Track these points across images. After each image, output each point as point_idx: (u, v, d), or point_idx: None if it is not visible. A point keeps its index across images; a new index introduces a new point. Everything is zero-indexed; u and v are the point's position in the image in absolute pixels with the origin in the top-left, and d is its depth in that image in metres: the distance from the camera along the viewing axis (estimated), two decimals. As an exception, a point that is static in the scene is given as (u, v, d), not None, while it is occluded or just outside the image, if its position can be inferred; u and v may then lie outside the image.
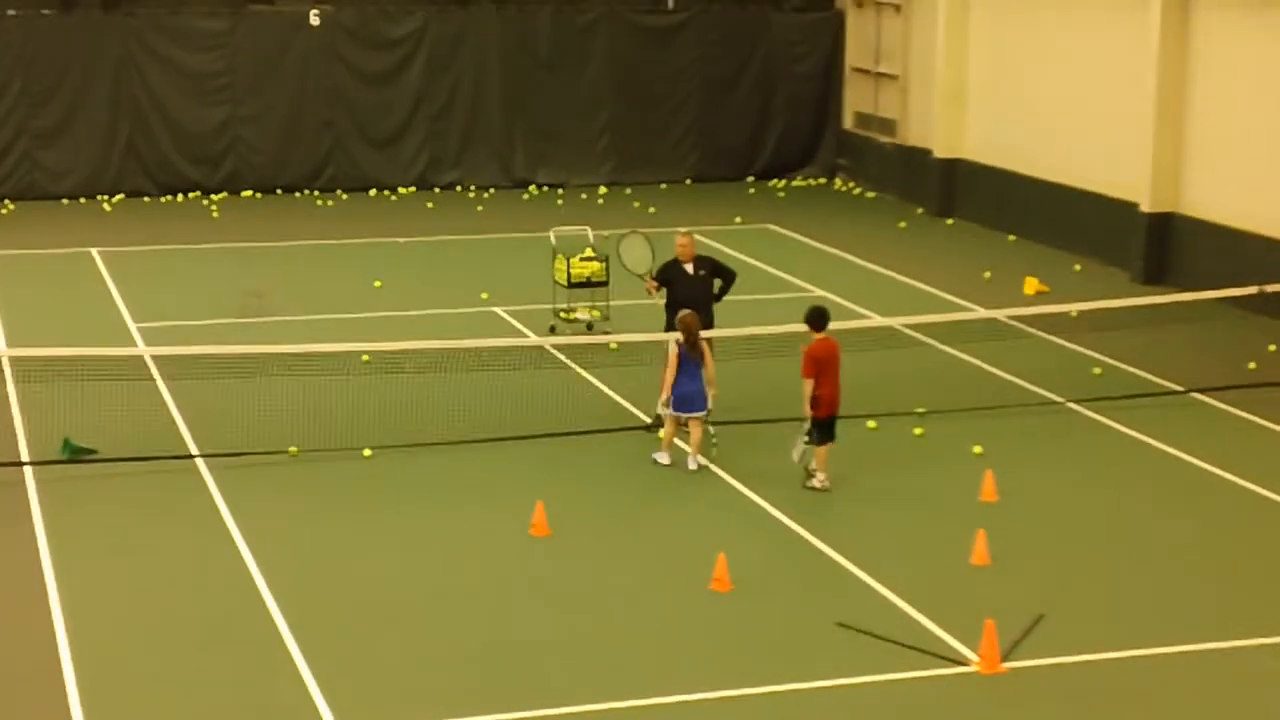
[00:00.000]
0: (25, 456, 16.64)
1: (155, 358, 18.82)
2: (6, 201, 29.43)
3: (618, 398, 18.57)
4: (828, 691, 11.92)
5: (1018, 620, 12.86)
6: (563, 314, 21.13)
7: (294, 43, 30.60)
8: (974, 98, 29.13)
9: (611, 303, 21.06)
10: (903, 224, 28.95)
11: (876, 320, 20.68)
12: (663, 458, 16.51)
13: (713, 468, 16.39)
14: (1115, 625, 13.02)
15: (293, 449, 16.78)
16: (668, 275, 17.72)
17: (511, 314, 22.07)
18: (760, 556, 14.33)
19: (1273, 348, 20.84)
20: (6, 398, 18.28)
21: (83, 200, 29.78)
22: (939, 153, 29.57)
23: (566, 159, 31.85)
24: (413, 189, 31.20)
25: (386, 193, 31.01)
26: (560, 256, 21.22)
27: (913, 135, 30.83)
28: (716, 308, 17.76)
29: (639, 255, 19.40)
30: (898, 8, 31.28)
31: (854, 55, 32.71)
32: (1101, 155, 25.87)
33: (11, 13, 29.52)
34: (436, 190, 31.25)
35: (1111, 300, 20.85)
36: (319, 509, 15.45)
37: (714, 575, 13.59)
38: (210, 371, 18.04)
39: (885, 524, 15.18)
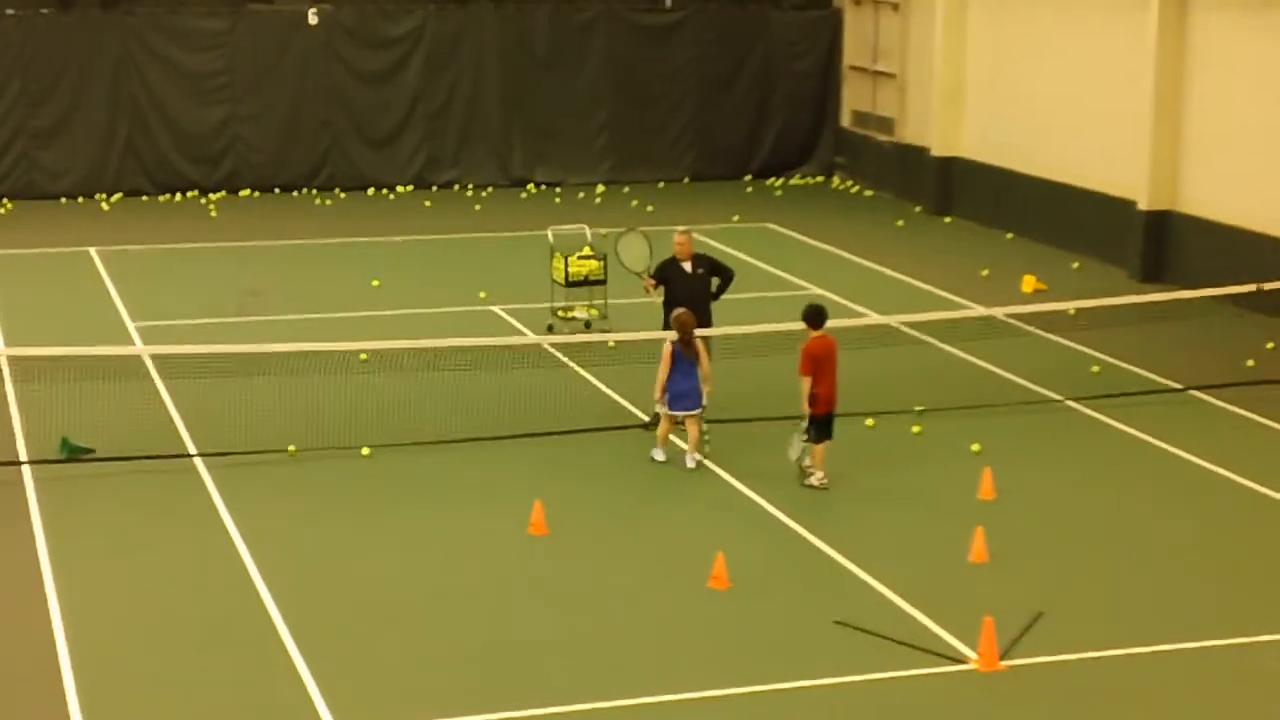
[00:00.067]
0: (23, 456, 16.64)
1: (154, 356, 18.81)
2: (5, 200, 29.43)
3: (616, 396, 18.58)
4: (826, 690, 11.93)
5: (1016, 618, 12.87)
6: (561, 312, 21.14)
7: (292, 42, 30.59)
8: (972, 96, 29.14)
9: (609, 301, 21.06)
10: (900, 222, 28.96)
11: (874, 318, 20.69)
12: (659, 454, 16.51)
13: (710, 466, 16.40)
14: (1114, 623, 13.03)
15: (291, 448, 16.79)
16: (666, 273, 17.75)
17: (509, 313, 22.08)
18: (759, 555, 14.33)
19: (1271, 345, 20.85)
20: (4, 397, 18.28)
21: (81, 199, 29.78)
22: (937, 151, 29.57)
23: (564, 157, 31.85)
24: (411, 188, 31.21)
25: (385, 191, 31.02)
26: (558, 255, 21.22)
27: (910, 133, 30.84)
28: (715, 306, 17.79)
29: (637, 253, 19.40)
30: (895, 6, 31.28)
31: (852, 54, 32.71)
32: (1099, 153, 25.87)
33: (10, 12, 29.51)
34: (434, 189, 31.26)
35: (1109, 298, 20.86)
36: (318, 508, 15.45)
37: (713, 574, 13.60)
38: (209, 370, 18.04)
39: (884, 522, 15.19)
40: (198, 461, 16.51)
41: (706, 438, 16.61)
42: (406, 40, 31.17)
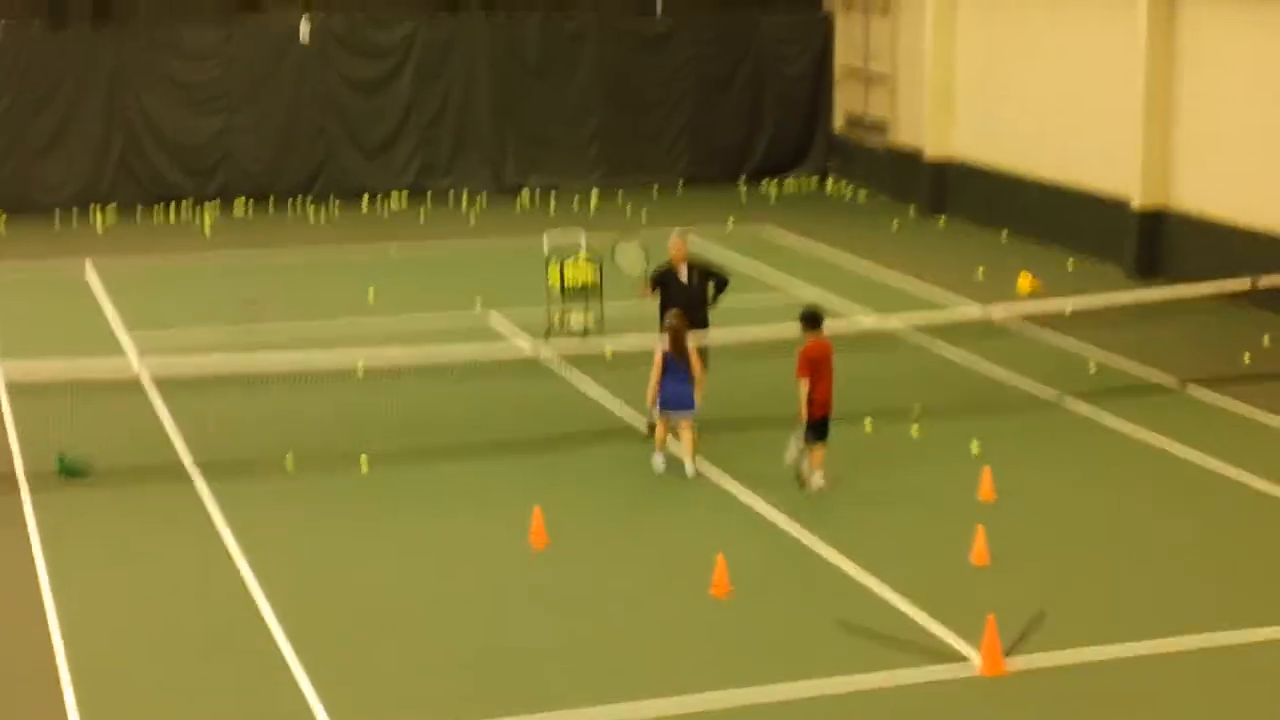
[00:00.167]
0: (20, 469, 16.60)
1: (150, 370, 18.76)
2: (0, 214, 29.44)
3: (613, 403, 18.56)
4: (829, 693, 11.91)
5: (1019, 619, 12.85)
6: (557, 319, 21.11)
7: (285, 52, 30.58)
8: (963, 97, 29.16)
9: (605, 306, 21.04)
10: (895, 223, 28.96)
11: (871, 320, 20.68)
12: (659, 463, 16.49)
13: (709, 470, 16.37)
14: (1116, 622, 13.01)
15: (289, 459, 16.76)
16: (661, 279, 17.73)
17: (506, 320, 22.06)
18: (759, 559, 14.32)
19: (1267, 341, 20.86)
20: (0, 411, 18.25)
21: (76, 211, 29.74)
22: (930, 152, 29.59)
23: (558, 164, 31.85)
24: (405, 195, 31.19)
25: (379, 200, 31.01)
26: (554, 262, 21.21)
27: (903, 135, 30.86)
28: (712, 311, 17.78)
29: (633, 259, 19.40)
30: (885, 9, 31.30)
31: (843, 57, 32.73)
32: (1091, 152, 25.89)
33: (1, 22, 29.47)
34: (429, 197, 31.25)
35: (1105, 296, 20.85)
36: (316, 518, 15.43)
37: (713, 578, 13.58)
38: (205, 381, 18.01)
39: (884, 524, 15.18)
40: (195, 472, 16.48)
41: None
42: (399, 49, 31.17)
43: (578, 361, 19.59)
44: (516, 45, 31.58)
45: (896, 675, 12.11)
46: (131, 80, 29.99)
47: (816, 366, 15.71)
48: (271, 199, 30.58)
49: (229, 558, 14.41)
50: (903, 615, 13.12)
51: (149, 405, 18.39)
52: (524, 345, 20.20)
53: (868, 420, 17.72)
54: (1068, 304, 20.39)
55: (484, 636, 12.86)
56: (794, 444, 15.75)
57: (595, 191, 31.46)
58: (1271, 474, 16.18)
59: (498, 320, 22.12)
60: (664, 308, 17.37)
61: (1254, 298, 21.20)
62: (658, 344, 16.48)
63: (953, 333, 20.48)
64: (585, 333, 20.85)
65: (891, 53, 31.17)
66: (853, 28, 32.46)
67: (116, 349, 20.89)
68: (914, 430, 17.59)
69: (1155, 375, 19.50)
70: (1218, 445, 17.02)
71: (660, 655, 12.55)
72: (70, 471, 16.35)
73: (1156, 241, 24.36)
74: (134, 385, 18.48)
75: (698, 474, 16.28)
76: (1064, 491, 16.00)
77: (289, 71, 30.65)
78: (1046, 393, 18.89)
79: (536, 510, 14.84)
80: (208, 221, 29.23)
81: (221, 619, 13.19)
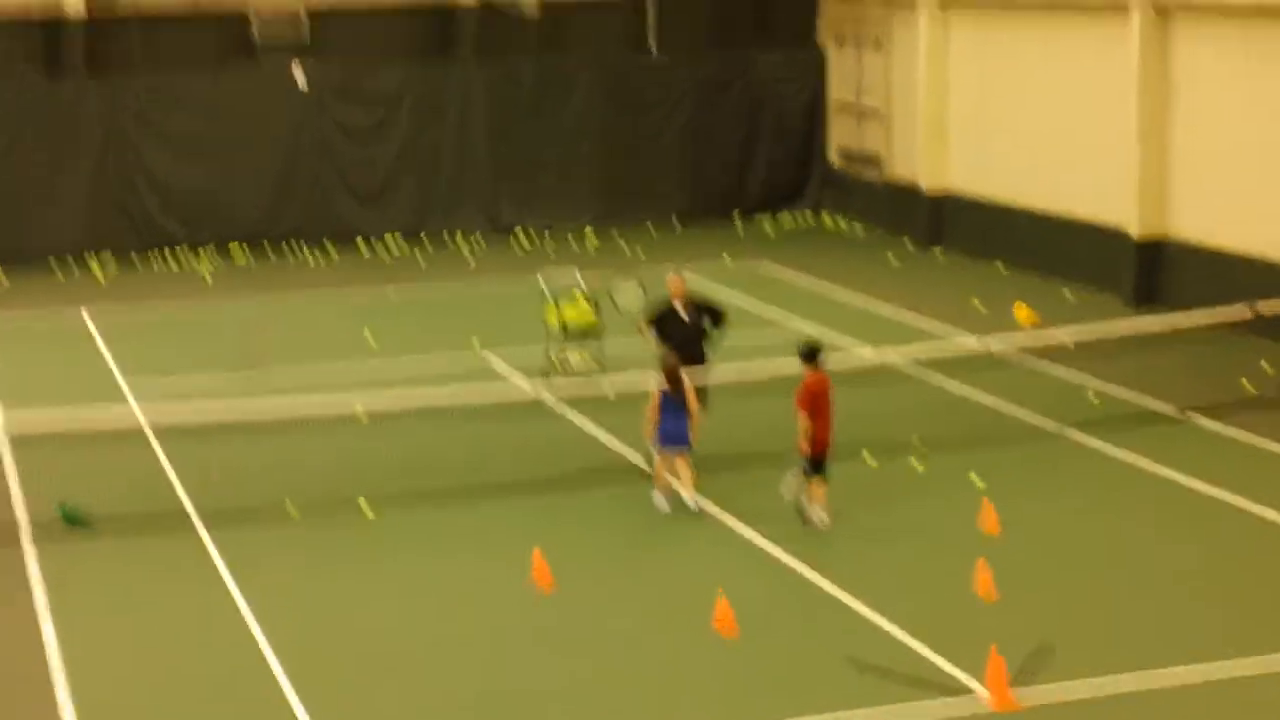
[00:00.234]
0: (23, 519, 16.57)
1: (150, 418, 18.74)
2: (-4, 266, 29.45)
3: (613, 442, 18.53)
4: (836, 729, 11.86)
5: (1024, 651, 12.79)
6: (556, 359, 21.10)
7: (280, 100, 30.66)
8: (957, 130, 29.22)
9: (604, 346, 21.03)
10: (892, 257, 28.98)
11: (870, 355, 20.66)
12: (661, 502, 16.45)
13: (710, 507, 16.32)
14: (1122, 653, 12.95)
15: (290, 504, 16.72)
16: (660, 316, 17.76)
17: (504, 361, 22.04)
18: (762, 595, 14.27)
19: (1268, 368, 20.84)
20: (1, 463, 18.21)
21: (73, 260, 29.74)
22: (925, 185, 29.64)
23: (554, 205, 31.89)
24: (401, 239, 31.21)
25: (375, 244, 31.03)
26: (551, 302, 21.21)
27: (899, 169, 30.92)
28: (710, 348, 17.79)
29: (631, 297, 19.42)
30: (878, 43, 31.40)
31: (837, 92, 32.82)
32: (1088, 183, 25.92)
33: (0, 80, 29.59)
34: (425, 240, 31.27)
35: (1104, 326, 20.84)
36: (318, 562, 15.39)
37: (716, 616, 13.53)
38: (206, 430, 17.98)
39: (887, 558, 15.13)
40: (197, 520, 16.44)
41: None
42: (393, 95, 31.25)
43: (577, 401, 19.56)
44: (510, 87, 31.66)
45: (903, 710, 12.05)
46: (126, 129, 30.05)
47: (816, 401, 15.69)
48: (268, 245, 30.59)
49: (232, 603, 14.36)
50: (907, 649, 13.06)
51: (150, 453, 18.35)
52: (523, 386, 20.18)
53: (868, 454, 17.69)
54: (1067, 334, 20.39)
55: (486, 678, 12.80)
56: (791, 478, 15.72)
57: (591, 231, 31.49)
58: (1275, 501, 16.14)
59: (496, 361, 22.10)
60: (662, 343, 17.39)
61: (1254, 325, 21.19)
62: (653, 381, 16.49)
63: (952, 365, 20.46)
64: (584, 372, 20.82)
65: (885, 87, 31.25)
66: (846, 63, 32.56)
67: (117, 397, 20.87)
68: (915, 464, 17.55)
69: (1156, 404, 19.48)
70: (1220, 473, 16.98)
71: (664, 694, 12.49)
72: (72, 520, 16.32)
73: (1154, 270, 24.37)
74: (134, 433, 18.46)
75: (700, 509, 16.22)
76: (1067, 522, 15.96)
77: (283, 118, 30.71)
78: (1047, 424, 18.86)
79: (537, 552, 14.79)
80: (205, 268, 29.25)
81: (225, 665, 13.14)
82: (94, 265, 29.63)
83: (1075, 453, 18.02)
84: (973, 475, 16.96)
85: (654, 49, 32.86)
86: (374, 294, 26.82)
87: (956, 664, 12.70)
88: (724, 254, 29.07)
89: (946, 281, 26.97)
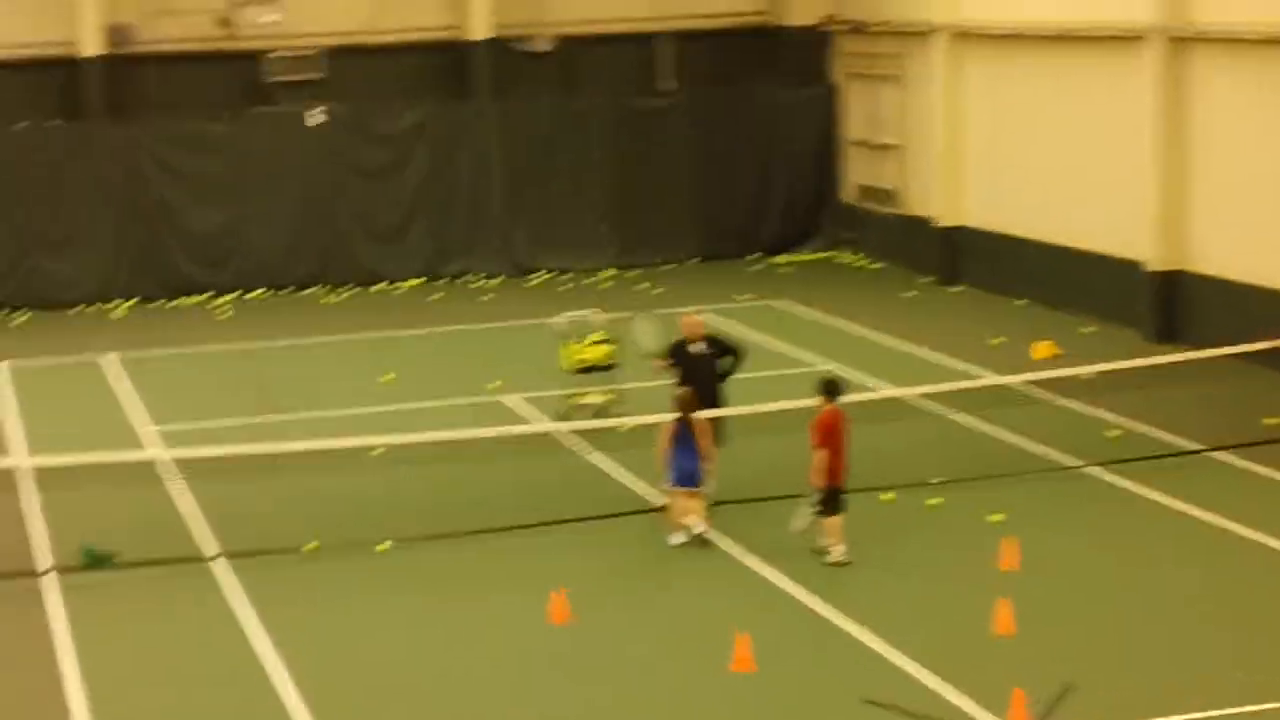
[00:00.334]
0: (46, 563, 16.61)
1: (171, 459, 18.81)
2: (19, 311, 29.52)
3: (629, 480, 18.52)
4: (857, 770, 11.81)
5: (1046, 690, 12.72)
6: (573, 400, 21.11)
7: (296, 142, 30.78)
8: (973, 164, 29.22)
9: (621, 386, 21.04)
10: (909, 293, 28.96)
11: (888, 391, 20.63)
12: (676, 538, 16.48)
13: (726, 544, 16.31)
14: (1147, 693, 12.87)
15: (310, 545, 16.75)
16: (676, 355, 17.80)
17: (522, 402, 22.06)
18: (779, 632, 14.24)
19: (1287, 402, 20.76)
20: (26, 505, 18.28)
21: (94, 307, 29.85)
22: (942, 221, 29.63)
23: (570, 245, 31.93)
24: (418, 281, 31.28)
25: (392, 286, 31.10)
26: (568, 342, 21.23)
27: (914, 204, 30.91)
28: (727, 385, 17.81)
29: (649, 336, 19.45)
30: (893, 79, 31.45)
31: (852, 128, 32.85)
32: (1105, 216, 25.89)
33: (20, 125, 29.75)
34: (442, 281, 31.33)
35: (1123, 361, 20.78)
36: (336, 600, 15.41)
37: (734, 653, 13.50)
38: (226, 471, 18.04)
39: (905, 595, 15.09)
40: (218, 562, 16.47)
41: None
42: (409, 135, 31.35)
43: (593, 439, 19.57)
44: (525, 128, 31.74)
45: (924, 750, 12.00)
46: (145, 174, 30.18)
47: (830, 435, 15.72)
48: (286, 288, 30.67)
49: (251, 642, 14.39)
50: (925, 688, 13.00)
51: (170, 494, 18.40)
52: (540, 425, 20.18)
53: (886, 491, 17.65)
54: (1086, 370, 20.33)
55: (502, 711, 12.79)
56: (802, 513, 15.74)
57: (608, 271, 31.53)
58: (1296, 535, 16.08)
59: (514, 401, 22.12)
60: (679, 382, 17.43)
61: (1275, 359, 21.09)
62: (668, 419, 16.54)
63: (970, 401, 20.42)
64: (601, 412, 20.83)
65: (900, 122, 31.28)
66: (860, 98, 32.61)
67: (137, 438, 20.93)
68: (933, 501, 17.51)
69: (1176, 440, 19.40)
70: (1243, 510, 16.89)
71: (685, 736, 12.46)
72: (95, 561, 16.40)
73: (1173, 304, 24.31)
74: (155, 474, 18.52)
75: (705, 534, 16.27)
76: (1086, 558, 15.90)
77: (300, 161, 30.82)
78: (1066, 460, 18.80)
79: (556, 591, 14.78)
80: (223, 311, 29.33)
81: (243, 699, 13.21)
82: (114, 308, 29.73)
83: (1095, 489, 17.96)
84: (995, 516, 16.90)
85: (667, 86, 32.94)
86: (392, 335, 26.86)
87: (976, 702, 12.63)
88: (740, 292, 29.07)
89: (963, 316, 26.94)
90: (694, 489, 16.46)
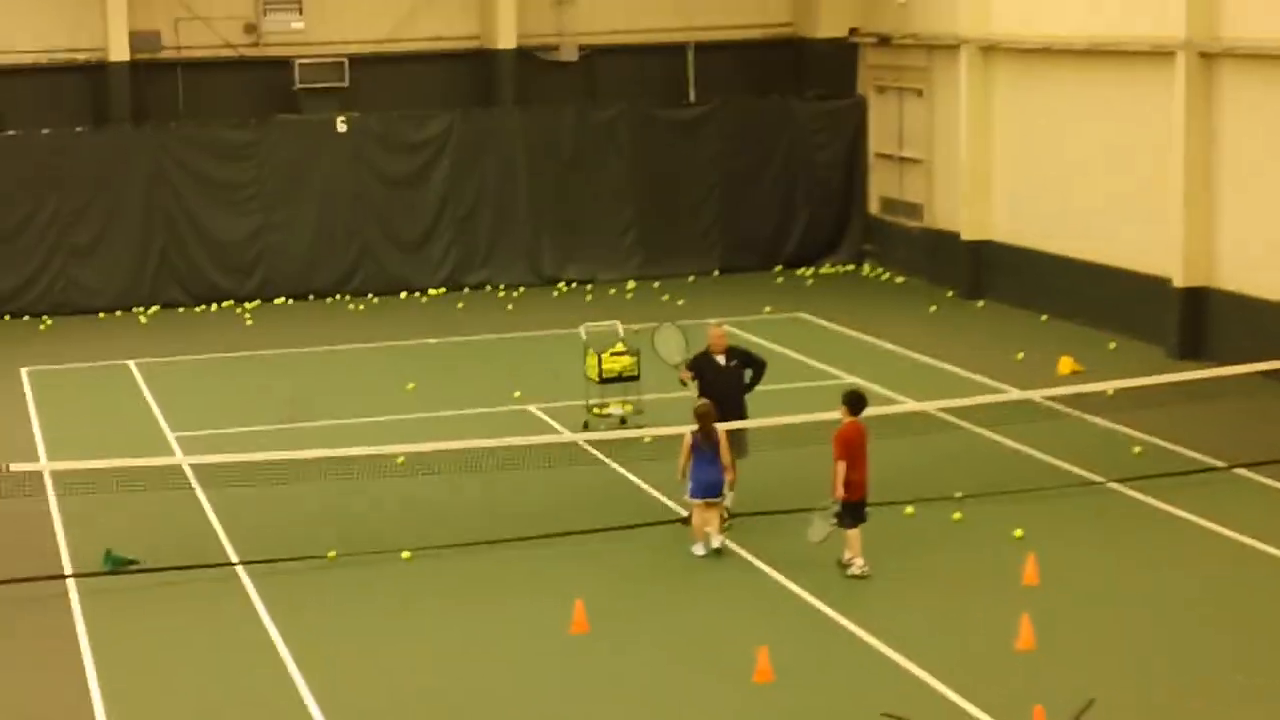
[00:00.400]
0: (68, 568, 16.68)
1: (194, 466, 18.88)
2: (44, 317, 29.66)
3: (652, 491, 18.52)
4: (877, 784, 11.78)
5: (1067, 706, 12.68)
6: (595, 409, 21.12)
7: (321, 150, 30.88)
8: (999, 178, 29.18)
9: (644, 396, 21.05)
10: (933, 307, 28.92)
11: (911, 405, 20.60)
12: (699, 549, 16.51)
13: (748, 557, 16.30)
14: (1168, 711, 12.83)
15: (331, 553, 16.79)
16: (699, 366, 17.82)
17: (544, 411, 22.07)
18: (801, 645, 14.22)
19: (1312, 419, 20.69)
20: (48, 510, 18.35)
21: (118, 314, 29.98)
22: (967, 235, 29.58)
23: (594, 254, 31.98)
24: (442, 290, 31.34)
25: (416, 294, 31.16)
26: (591, 352, 21.25)
27: (939, 218, 30.87)
28: (750, 397, 17.83)
29: (673, 346, 19.46)
30: (920, 92, 31.43)
31: (877, 141, 32.84)
32: (1131, 232, 25.83)
33: (45, 132, 29.90)
34: (466, 290, 31.39)
35: (1148, 377, 20.72)
36: (358, 608, 15.44)
37: (756, 666, 13.48)
38: (248, 478, 18.08)
39: (927, 610, 15.06)
40: (239, 569, 16.52)
41: (728, 525, 16.69)
42: (434, 144, 31.42)
43: (616, 450, 19.58)
44: (550, 137, 31.81)
45: (945, 765, 11.97)
46: (170, 181, 30.29)
47: (852, 448, 15.74)
48: (310, 295, 30.76)
49: (272, 647, 14.44)
50: (946, 702, 12.97)
51: (193, 499, 18.45)
52: (562, 434, 20.19)
53: (908, 504, 17.63)
54: (1110, 385, 20.27)
55: (526, 730, 12.80)
56: (820, 522, 15.74)
57: (632, 281, 31.55)
58: (1321, 553, 16.02)
59: (537, 410, 22.13)
60: (702, 393, 17.47)
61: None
62: (688, 429, 16.62)
63: (993, 416, 20.37)
64: (623, 422, 20.84)
65: (926, 135, 31.25)
66: (886, 111, 32.59)
67: (161, 445, 21.00)
68: (955, 515, 17.47)
69: (1200, 456, 19.33)
70: (1267, 527, 16.83)
71: (705, 748, 12.44)
72: (117, 566, 16.47)
73: (1199, 321, 24.22)
74: (179, 482, 18.57)
75: (721, 547, 16.36)
76: (1110, 575, 15.85)
77: (325, 168, 30.91)
78: (1089, 475, 18.74)
79: (578, 602, 14.79)
80: (248, 319, 29.41)
81: (264, 707, 13.23)
82: (139, 314, 29.83)
83: (1118, 505, 17.90)
84: (1017, 531, 16.86)
85: (693, 97, 32.99)
86: (416, 344, 26.90)
87: (996, 717, 12.60)
88: (764, 304, 29.06)
89: (987, 331, 26.89)
90: (714, 500, 16.51)
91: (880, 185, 32.86)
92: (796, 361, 24.56)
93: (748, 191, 32.59)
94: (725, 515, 16.91)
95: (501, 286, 31.52)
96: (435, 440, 19.33)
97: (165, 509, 17.78)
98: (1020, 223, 28.62)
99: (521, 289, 31.39)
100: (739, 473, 17.06)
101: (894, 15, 31.79)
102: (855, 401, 16.01)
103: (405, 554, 16.75)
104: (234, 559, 16.80)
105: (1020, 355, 24.71)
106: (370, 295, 30.99)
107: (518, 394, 22.98)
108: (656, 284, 31.39)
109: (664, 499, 18.20)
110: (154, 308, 30.16)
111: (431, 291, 31.26)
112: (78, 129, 30.23)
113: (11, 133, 29.96)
